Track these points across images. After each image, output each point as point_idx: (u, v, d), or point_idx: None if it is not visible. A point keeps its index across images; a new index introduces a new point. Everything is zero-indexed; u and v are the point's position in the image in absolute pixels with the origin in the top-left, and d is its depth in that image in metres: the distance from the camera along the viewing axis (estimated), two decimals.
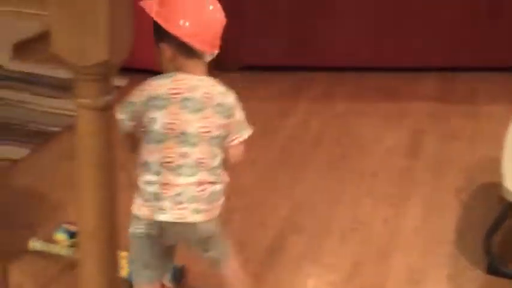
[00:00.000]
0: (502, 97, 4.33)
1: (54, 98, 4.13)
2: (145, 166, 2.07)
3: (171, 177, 2.07)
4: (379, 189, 3.39)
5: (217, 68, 4.50)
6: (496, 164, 2.84)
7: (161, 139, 2.06)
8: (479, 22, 4.64)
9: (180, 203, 2.07)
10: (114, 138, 1.09)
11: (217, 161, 2.16)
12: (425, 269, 2.86)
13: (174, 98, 2.07)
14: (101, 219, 1.09)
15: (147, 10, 2.02)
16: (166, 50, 2.11)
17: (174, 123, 2.07)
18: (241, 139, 2.23)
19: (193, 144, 2.09)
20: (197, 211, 2.10)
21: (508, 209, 2.81)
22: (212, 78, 2.22)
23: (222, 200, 2.21)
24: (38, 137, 3.66)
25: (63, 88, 4.22)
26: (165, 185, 2.07)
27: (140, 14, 1.96)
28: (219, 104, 2.16)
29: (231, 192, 3.21)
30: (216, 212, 2.18)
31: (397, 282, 2.77)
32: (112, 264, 1.10)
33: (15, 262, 2.67)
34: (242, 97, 4.19)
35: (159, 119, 2.05)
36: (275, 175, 3.47)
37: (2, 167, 3.37)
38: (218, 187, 2.17)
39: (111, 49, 0.98)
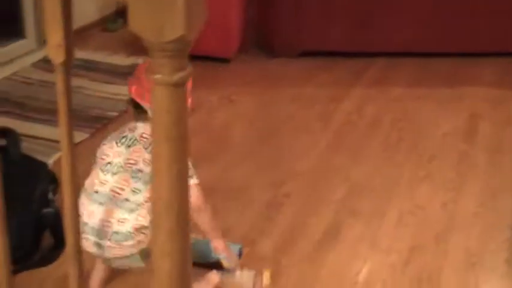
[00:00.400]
0: None
1: (111, 83, 4.20)
2: None
3: None
4: (437, 173, 3.37)
5: (276, 55, 4.59)
6: None
7: None
8: None
9: None
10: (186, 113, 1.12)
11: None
12: (482, 253, 2.84)
13: None
14: (175, 191, 1.12)
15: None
16: None
17: None
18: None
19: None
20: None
21: None
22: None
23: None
24: (96, 122, 3.73)
25: (119, 74, 4.30)
26: None
27: None
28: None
29: (287, 177, 3.27)
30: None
31: (454, 265, 2.76)
32: (184, 233, 1.14)
33: None
34: (299, 83, 4.28)
35: None
36: (331, 159, 3.48)
37: None
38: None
39: (187, 25, 1.00)
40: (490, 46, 4.71)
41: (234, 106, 4.01)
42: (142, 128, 2.29)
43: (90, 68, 4.41)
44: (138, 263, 2.22)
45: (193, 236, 1.94)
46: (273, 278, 2.58)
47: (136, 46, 4.31)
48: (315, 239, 2.87)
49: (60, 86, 1.25)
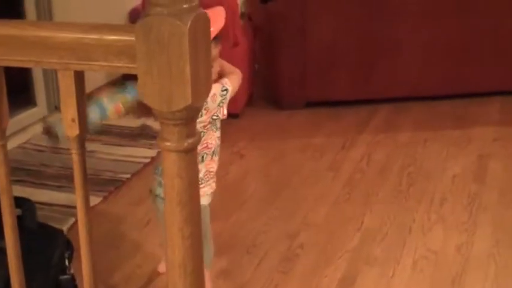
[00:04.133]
0: None
1: (123, 146, 4.26)
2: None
3: None
4: (449, 216, 3.39)
5: (283, 107, 4.66)
6: None
7: None
8: None
9: None
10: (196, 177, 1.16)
11: None
12: None
13: None
14: (189, 253, 1.16)
15: None
16: None
17: None
18: None
19: None
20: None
21: None
22: None
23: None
24: (109, 185, 3.78)
25: (130, 136, 4.36)
26: None
27: None
28: None
29: (301, 228, 3.29)
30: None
31: None
32: None
33: None
34: (308, 133, 4.33)
35: None
36: (343, 208, 3.51)
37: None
38: None
39: (195, 94, 1.06)
40: (496, 85, 4.76)
41: (245, 160, 4.06)
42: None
43: (102, 131, 4.48)
44: None
45: None
46: None
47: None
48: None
49: (75, 158, 1.30)
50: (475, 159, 3.95)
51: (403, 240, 3.20)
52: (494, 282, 2.91)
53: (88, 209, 1.36)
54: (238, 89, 2.63)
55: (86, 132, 1.27)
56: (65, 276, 2.52)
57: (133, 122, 4.62)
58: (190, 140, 1.11)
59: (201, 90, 1.06)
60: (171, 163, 1.13)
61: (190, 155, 1.13)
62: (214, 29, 2.31)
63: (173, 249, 1.16)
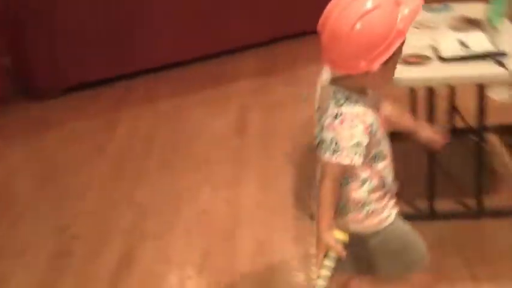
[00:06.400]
0: (315, 59, 4.46)
1: None
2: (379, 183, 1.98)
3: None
4: (216, 175, 3.45)
5: (39, 97, 4.40)
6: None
7: (386, 155, 1.99)
8: None
9: None
10: None
11: None
12: (271, 239, 2.96)
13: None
14: None
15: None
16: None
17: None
18: None
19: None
20: None
21: None
22: None
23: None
24: None
25: None
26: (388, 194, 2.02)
27: None
28: None
29: (71, 217, 3.20)
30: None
31: (247, 258, 2.84)
32: None
33: None
34: (69, 119, 4.14)
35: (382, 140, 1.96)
36: (113, 188, 3.43)
37: None
38: None
39: None
40: (248, 39, 4.87)
41: (4, 162, 3.83)
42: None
43: None
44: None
45: None
46: None
47: None
48: (111, 271, 2.83)
49: None
50: (235, 114, 4.03)
51: (175, 208, 3.22)
52: (265, 229, 3.01)
53: None
54: None
55: None
56: None
57: None
58: None
59: None
60: None
61: None
62: None
63: None
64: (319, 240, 1.87)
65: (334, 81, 1.92)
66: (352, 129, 1.85)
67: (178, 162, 3.59)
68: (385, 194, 2.01)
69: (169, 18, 4.64)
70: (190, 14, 4.68)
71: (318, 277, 1.85)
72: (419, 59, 2.69)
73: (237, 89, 4.37)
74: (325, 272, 1.85)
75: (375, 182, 1.98)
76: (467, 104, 3.17)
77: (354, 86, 1.88)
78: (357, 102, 1.87)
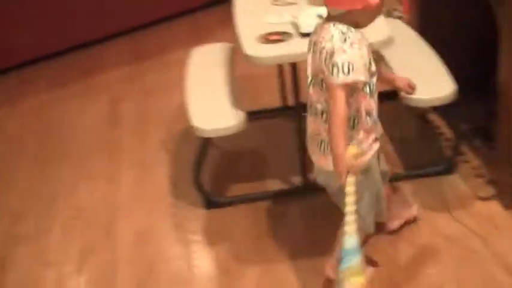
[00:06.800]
0: (183, 44, 4.40)
1: None
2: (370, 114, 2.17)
3: None
4: (91, 169, 3.38)
5: None
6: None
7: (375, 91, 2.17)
8: None
9: None
10: None
11: None
12: (151, 228, 2.94)
13: None
14: None
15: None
16: None
17: None
18: None
19: None
20: None
21: (204, 145, 2.94)
22: None
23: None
24: None
25: None
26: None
27: None
28: None
29: None
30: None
31: (128, 250, 2.82)
32: None
33: None
34: None
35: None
36: None
37: None
38: None
39: None
40: (112, 27, 4.72)
41: None
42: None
43: None
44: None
45: None
46: None
47: None
48: None
49: None
50: (107, 105, 3.93)
51: (51, 208, 3.13)
52: (144, 219, 2.99)
53: None
54: None
55: None
56: None
57: None
58: None
59: None
60: None
61: None
62: None
63: None
64: (338, 161, 2.02)
65: (330, 18, 2.10)
66: (360, 51, 2.04)
67: (52, 161, 3.48)
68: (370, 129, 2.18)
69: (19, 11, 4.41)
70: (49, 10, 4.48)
71: (347, 195, 1.99)
72: (280, 36, 2.71)
73: (107, 78, 4.24)
74: (351, 188, 1.99)
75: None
76: None
77: (349, 22, 2.06)
78: (356, 31, 2.07)
